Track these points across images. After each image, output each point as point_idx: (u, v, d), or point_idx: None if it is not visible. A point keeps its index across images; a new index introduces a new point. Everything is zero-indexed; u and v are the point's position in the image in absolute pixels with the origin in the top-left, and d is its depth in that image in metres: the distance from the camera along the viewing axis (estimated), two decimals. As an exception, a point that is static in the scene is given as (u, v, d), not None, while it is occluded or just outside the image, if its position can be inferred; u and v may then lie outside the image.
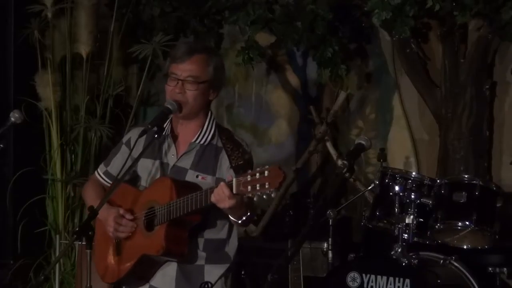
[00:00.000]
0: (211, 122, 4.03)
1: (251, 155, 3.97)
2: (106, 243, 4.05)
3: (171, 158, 4.01)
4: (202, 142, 3.99)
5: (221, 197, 3.68)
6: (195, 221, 3.86)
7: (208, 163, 3.96)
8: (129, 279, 4.03)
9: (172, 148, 4.02)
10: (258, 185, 3.54)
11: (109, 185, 4.11)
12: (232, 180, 3.65)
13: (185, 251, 3.88)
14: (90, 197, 4.13)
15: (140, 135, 3.95)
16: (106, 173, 4.17)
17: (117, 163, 4.09)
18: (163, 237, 3.83)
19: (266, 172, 3.52)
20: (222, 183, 3.69)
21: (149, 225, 3.92)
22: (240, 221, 3.83)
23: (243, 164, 3.85)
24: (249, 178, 3.57)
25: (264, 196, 3.55)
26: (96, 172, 4.23)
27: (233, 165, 3.87)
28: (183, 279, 3.96)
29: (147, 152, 3.98)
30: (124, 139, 4.15)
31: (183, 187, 3.84)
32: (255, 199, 3.60)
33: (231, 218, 3.85)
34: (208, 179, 3.93)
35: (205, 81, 3.94)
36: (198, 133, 4.00)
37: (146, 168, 4.04)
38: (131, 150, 4.00)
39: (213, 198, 3.70)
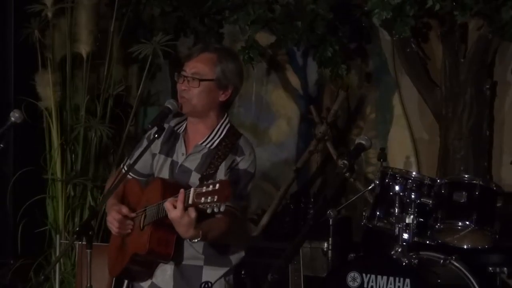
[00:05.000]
0: (223, 125, 4.02)
1: (244, 168, 3.92)
2: (117, 237, 4.08)
3: (180, 157, 4.02)
4: (209, 146, 3.98)
5: (175, 216, 3.65)
6: None
7: None
8: (133, 274, 4.05)
9: (183, 147, 4.03)
10: (209, 197, 3.52)
11: (130, 176, 4.12)
12: (190, 190, 3.62)
13: (170, 253, 3.87)
14: (108, 186, 4.20)
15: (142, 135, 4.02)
16: (128, 165, 4.17)
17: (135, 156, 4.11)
18: (148, 237, 3.84)
19: (217, 185, 3.50)
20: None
21: (143, 225, 3.94)
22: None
23: (212, 174, 3.81)
24: (204, 189, 3.54)
25: (215, 209, 3.52)
26: (122, 164, 4.25)
27: (204, 173, 3.85)
28: (181, 278, 3.97)
29: (163, 148, 4.04)
30: (147, 134, 4.16)
31: (170, 189, 3.82)
32: (208, 211, 3.56)
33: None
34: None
35: (209, 80, 3.94)
36: (207, 136, 4.00)
37: (159, 164, 4.07)
38: (136, 142, 4.05)
39: (170, 215, 3.68)
